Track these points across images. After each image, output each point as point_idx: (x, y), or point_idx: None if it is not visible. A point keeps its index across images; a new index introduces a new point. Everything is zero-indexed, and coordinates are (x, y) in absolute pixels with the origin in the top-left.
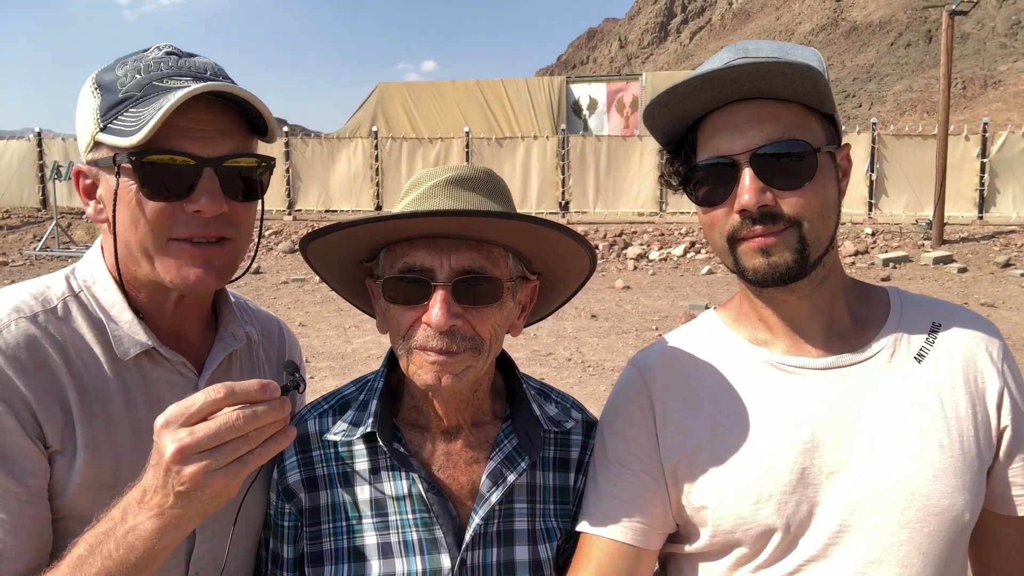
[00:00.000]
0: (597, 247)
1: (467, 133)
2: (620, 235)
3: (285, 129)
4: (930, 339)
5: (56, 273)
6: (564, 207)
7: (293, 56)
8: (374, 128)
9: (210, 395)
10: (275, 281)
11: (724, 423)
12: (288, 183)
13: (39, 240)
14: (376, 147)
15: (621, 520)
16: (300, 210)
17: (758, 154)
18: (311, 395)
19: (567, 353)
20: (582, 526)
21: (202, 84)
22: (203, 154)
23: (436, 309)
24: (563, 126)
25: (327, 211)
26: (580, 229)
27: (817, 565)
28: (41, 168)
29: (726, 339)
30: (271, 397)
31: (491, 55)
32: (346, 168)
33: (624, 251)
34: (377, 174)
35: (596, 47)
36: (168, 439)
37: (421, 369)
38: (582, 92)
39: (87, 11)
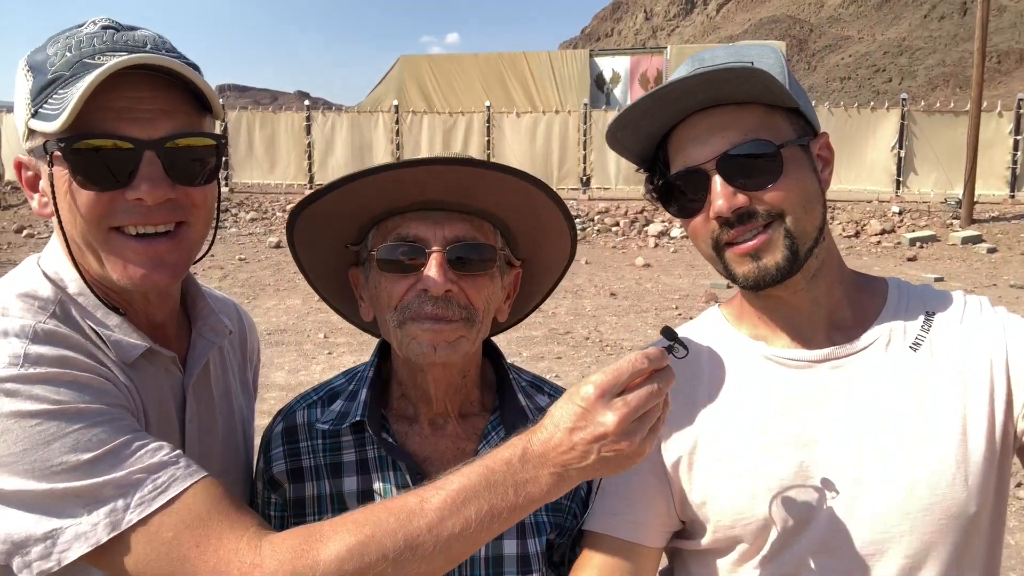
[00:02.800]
0: (618, 224)
1: (488, 108)
2: (641, 212)
3: (307, 103)
4: (925, 327)
5: (29, 273)
6: (586, 183)
7: (315, 28)
8: (395, 102)
9: (635, 365)
10: None
11: (722, 419)
12: (309, 157)
13: None
14: (397, 121)
15: (624, 518)
16: (321, 184)
17: (723, 159)
18: (331, 372)
19: (585, 332)
20: (586, 524)
21: (126, 57)
22: (143, 136)
23: (433, 272)
24: (585, 100)
25: None
26: (601, 205)
27: (820, 558)
28: None
29: (728, 335)
30: (667, 363)
31: (516, 27)
32: (367, 142)
33: (645, 228)
34: (398, 148)
35: (621, 19)
36: (607, 409)
37: (414, 339)
38: (606, 65)
39: None
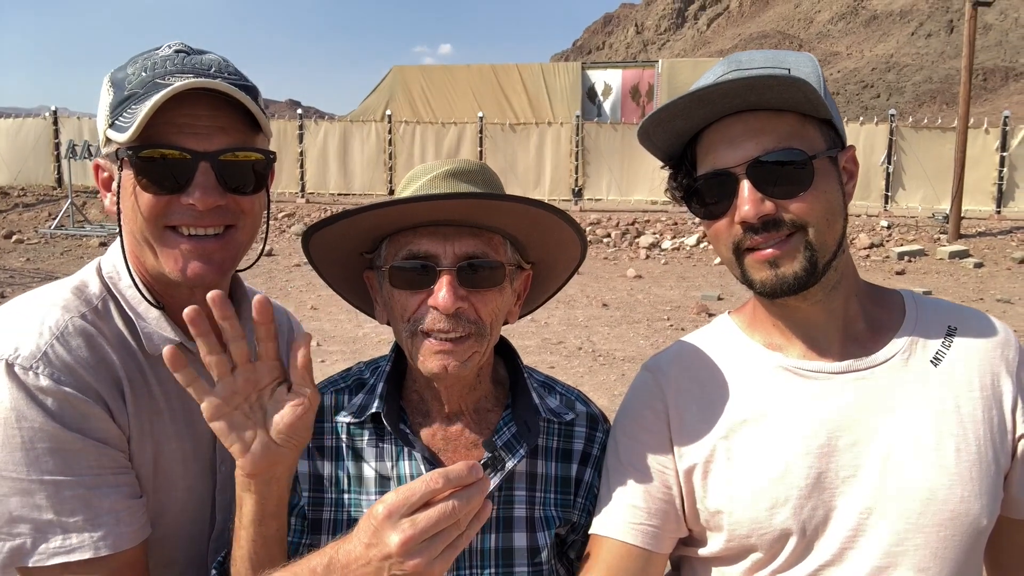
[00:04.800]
0: (609, 235)
1: (481, 119)
2: (633, 223)
3: (299, 111)
4: (946, 343)
5: (87, 268)
6: (577, 194)
7: (307, 37)
8: (388, 112)
9: (429, 485)
10: (287, 264)
11: (739, 428)
12: (301, 166)
13: (54, 218)
14: (390, 131)
15: (632, 523)
16: (313, 193)
17: (754, 165)
18: (322, 379)
19: (578, 342)
20: (593, 527)
21: (188, 81)
22: (199, 148)
23: (443, 292)
24: (577, 112)
25: (340, 194)
26: (593, 217)
27: (832, 569)
28: (56, 147)
29: (741, 344)
30: (477, 478)
31: (507, 39)
32: (359, 151)
33: (637, 240)
34: (390, 158)
35: (612, 32)
36: (392, 530)
37: (426, 358)
38: (597, 78)
39: None
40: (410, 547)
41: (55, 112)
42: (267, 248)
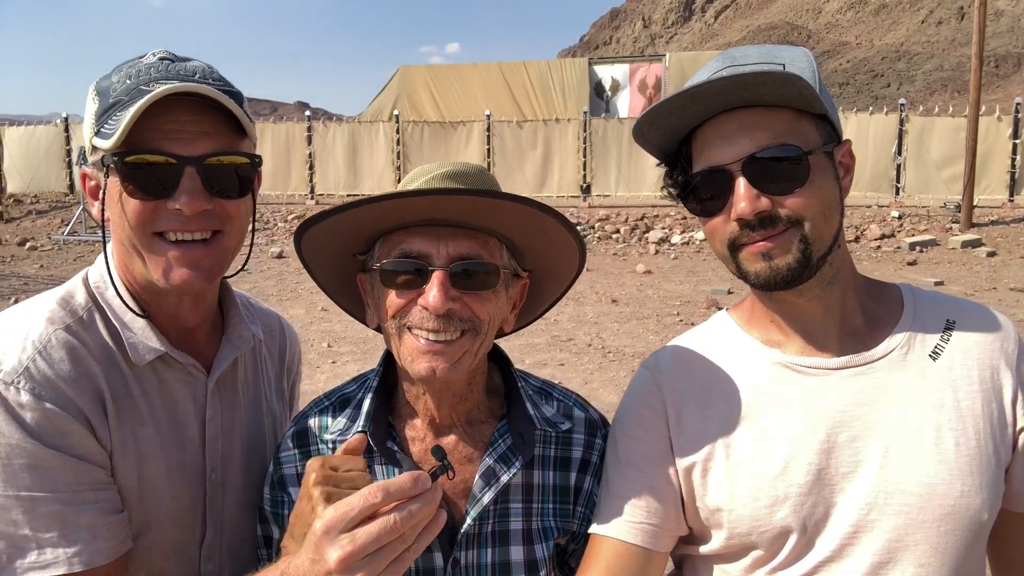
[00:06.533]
0: (618, 231)
1: (488, 116)
2: (642, 219)
3: (307, 113)
4: (945, 336)
5: (75, 279)
6: (586, 190)
7: (316, 39)
8: (396, 112)
9: (368, 499)
10: (298, 265)
11: (738, 425)
12: (311, 167)
13: (67, 225)
14: (398, 131)
15: (631, 522)
16: (322, 194)
17: (749, 162)
18: (335, 381)
19: (587, 338)
20: (592, 527)
21: (169, 86)
22: (184, 153)
23: (434, 292)
24: (585, 108)
25: (349, 195)
26: (602, 212)
27: (833, 565)
28: (68, 153)
29: (739, 341)
30: (423, 490)
31: (515, 36)
32: (368, 152)
33: (646, 235)
34: (399, 158)
35: (619, 27)
36: (331, 547)
37: (415, 359)
38: (605, 73)
39: None
40: (350, 563)
41: (66, 119)
42: (278, 251)
